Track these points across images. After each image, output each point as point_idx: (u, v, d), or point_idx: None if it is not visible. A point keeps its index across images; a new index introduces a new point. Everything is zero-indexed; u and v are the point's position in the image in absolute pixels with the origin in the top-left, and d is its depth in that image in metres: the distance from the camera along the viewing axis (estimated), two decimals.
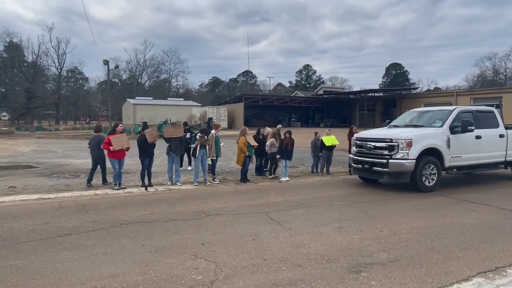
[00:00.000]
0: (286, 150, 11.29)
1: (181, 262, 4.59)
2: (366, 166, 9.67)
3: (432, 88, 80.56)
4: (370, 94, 48.76)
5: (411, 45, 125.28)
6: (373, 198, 8.57)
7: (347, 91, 67.02)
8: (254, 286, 3.93)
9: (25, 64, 66.94)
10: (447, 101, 37.17)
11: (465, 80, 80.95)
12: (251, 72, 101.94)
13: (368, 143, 9.71)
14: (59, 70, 72.25)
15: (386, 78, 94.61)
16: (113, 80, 78.83)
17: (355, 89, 76.31)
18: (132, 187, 9.76)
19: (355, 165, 10.22)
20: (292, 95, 63.29)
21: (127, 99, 61.17)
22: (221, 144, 11.26)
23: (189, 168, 12.26)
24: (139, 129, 13.08)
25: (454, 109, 10.11)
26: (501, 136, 10.45)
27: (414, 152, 8.93)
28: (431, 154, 9.25)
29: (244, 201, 8.23)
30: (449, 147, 9.39)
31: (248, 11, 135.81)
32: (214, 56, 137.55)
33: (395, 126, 10.94)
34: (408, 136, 9.10)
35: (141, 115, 46.17)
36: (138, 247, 5.16)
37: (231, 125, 45.18)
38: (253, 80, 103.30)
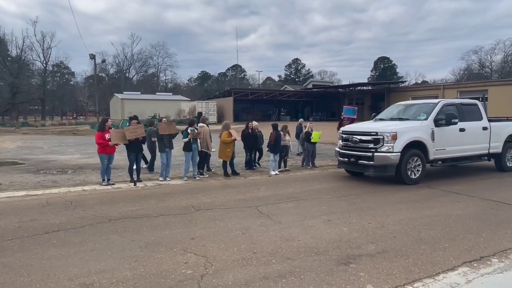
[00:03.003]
0: (273, 144, 11.32)
1: (170, 257, 4.58)
2: (352, 159, 9.72)
3: (419, 82, 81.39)
4: (359, 88, 48.99)
5: (400, 39, 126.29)
6: (361, 190, 8.65)
7: (336, 85, 67.29)
8: (244, 279, 3.95)
9: (9, 58, 65.52)
10: (434, 94, 37.59)
11: (451, 73, 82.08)
12: (240, 66, 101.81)
13: (354, 136, 9.75)
14: (44, 65, 71.05)
15: (374, 71, 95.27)
16: (100, 74, 77.72)
17: (344, 83, 76.64)
18: (121, 182, 9.68)
19: (341, 158, 10.26)
20: (281, 89, 63.28)
21: (115, 94, 60.53)
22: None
23: (145, 166, 11.48)
24: (127, 124, 12.93)
25: (438, 102, 10.20)
26: (485, 128, 10.60)
27: (399, 145, 9.00)
28: (416, 147, 9.34)
29: (233, 195, 8.24)
30: (433, 139, 9.49)
31: (236, 4, 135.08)
32: (203, 50, 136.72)
33: (381, 119, 11.01)
34: (393, 129, 9.16)
35: (129, 110, 45.69)
36: (127, 242, 5.14)
37: (220, 119, 45.04)
38: (242, 74, 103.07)
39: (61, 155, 16.13)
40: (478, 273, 4.11)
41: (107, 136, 9.22)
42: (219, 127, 11.79)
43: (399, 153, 9.00)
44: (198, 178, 10.37)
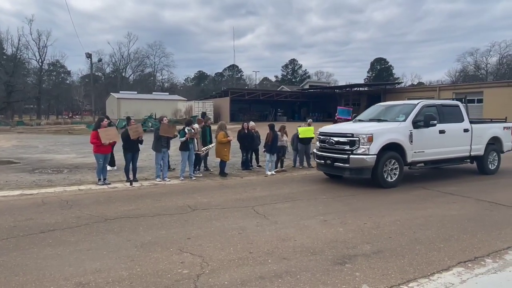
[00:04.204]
0: (269, 144, 11.35)
1: (167, 257, 4.58)
2: (328, 161, 9.46)
3: (415, 83, 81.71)
4: (355, 89, 49.18)
5: (396, 40, 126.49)
6: (357, 191, 8.69)
7: (332, 85, 67.45)
8: (240, 279, 3.96)
9: (4, 57, 65.09)
10: (430, 95, 37.82)
11: (447, 75, 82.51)
12: (237, 66, 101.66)
13: (331, 138, 9.48)
14: (40, 63, 70.67)
15: (371, 73, 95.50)
16: (96, 73, 77.33)
17: (341, 83, 76.86)
18: (117, 182, 9.66)
19: (318, 160, 10.01)
20: (278, 89, 63.32)
21: (111, 93, 60.24)
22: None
23: (110, 168, 11.00)
24: (124, 124, 12.90)
25: (418, 103, 9.89)
26: (466, 130, 10.35)
27: (375, 147, 8.74)
28: (393, 149, 9.08)
29: (230, 195, 8.24)
30: (411, 142, 9.21)
31: (233, 4, 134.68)
32: (200, 49, 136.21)
33: (360, 120, 10.75)
34: (369, 130, 8.90)
35: (126, 110, 45.60)
36: (123, 242, 5.13)
37: (217, 119, 45.00)
38: (239, 75, 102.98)
39: (57, 154, 16.07)
40: (473, 273, 4.14)
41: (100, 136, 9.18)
42: (214, 127, 11.78)
43: (375, 156, 8.72)
44: (194, 178, 10.37)
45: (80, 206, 7.11)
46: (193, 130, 10.29)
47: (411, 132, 9.24)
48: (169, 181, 9.93)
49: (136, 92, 61.09)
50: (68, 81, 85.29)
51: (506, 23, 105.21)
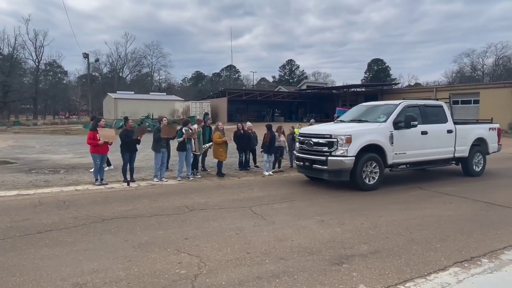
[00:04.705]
0: (267, 144, 11.37)
1: (164, 257, 4.58)
2: (307, 163, 9.19)
3: (412, 84, 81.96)
4: (353, 89, 49.28)
5: (394, 41, 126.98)
6: (354, 191, 8.70)
7: (330, 86, 67.55)
8: (237, 279, 3.97)
9: (0, 56, 64.80)
10: (427, 96, 37.81)
11: (444, 76, 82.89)
12: (235, 67, 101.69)
13: (310, 139, 9.21)
14: (36, 63, 70.29)
15: (368, 73, 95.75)
16: (93, 74, 77.28)
17: (338, 84, 76.99)
18: (114, 182, 9.64)
19: (297, 162, 9.78)
20: (275, 90, 63.35)
21: (108, 93, 60.13)
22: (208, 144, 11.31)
23: (107, 168, 10.99)
24: (121, 124, 12.87)
25: (399, 103, 9.63)
26: (449, 131, 10.15)
27: (353, 149, 8.47)
28: (373, 151, 8.82)
29: (227, 196, 8.25)
30: (392, 143, 8.94)
31: (231, 4, 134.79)
32: (197, 50, 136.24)
33: (341, 121, 10.50)
34: (347, 131, 8.64)
35: (123, 110, 45.51)
36: (120, 242, 5.12)
37: (214, 120, 44.97)
38: (237, 75, 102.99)
39: (54, 154, 16.01)
40: (469, 273, 4.17)
41: (98, 136, 9.19)
42: (212, 127, 11.80)
43: (354, 157, 8.47)
44: (192, 178, 10.36)
45: (77, 207, 7.09)
46: (190, 130, 10.29)
47: (391, 133, 8.98)
48: (167, 181, 9.91)
49: (133, 92, 60.99)
50: (65, 81, 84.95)
51: (503, 24, 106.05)
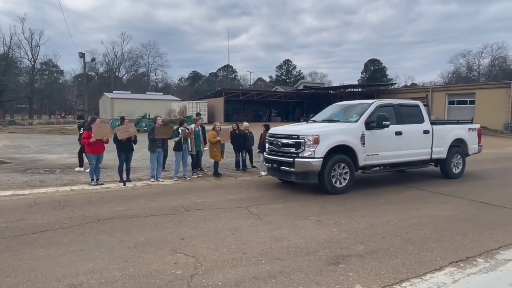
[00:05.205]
0: (263, 144, 11.35)
1: (160, 257, 4.56)
2: (275, 165, 8.79)
3: (409, 84, 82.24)
4: (349, 90, 49.41)
5: (390, 41, 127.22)
6: (351, 191, 8.70)
7: (326, 86, 67.66)
8: (233, 279, 3.96)
9: None
10: (423, 96, 38.01)
11: (440, 76, 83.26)
12: (231, 67, 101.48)
13: (279, 140, 8.81)
14: (32, 63, 70.06)
15: (364, 73, 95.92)
16: (89, 73, 76.79)
17: (335, 84, 77.03)
18: (110, 182, 9.60)
19: (266, 164, 9.36)
20: (272, 90, 63.37)
21: (104, 93, 59.92)
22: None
23: (77, 169, 11.34)
24: (117, 124, 12.76)
25: (372, 102, 9.26)
26: (426, 132, 9.75)
27: (321, 150, 8.05)
28: (343, 152, 8.42)
29: (224, 196, 8.23)
30: (363, 144, 8.54)
31: (228, 4, 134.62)
32: (194, 49, 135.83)
33: (314, 121, 10.10)
34: (315, 132, 8.23)
35: (119, 110, 45.33)
36: (116, 243, 5.10)
37: (211, 119, 44.95)
38: (233, 75, 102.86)
39: (49, 154, 15.92)
40: (464, 273, 4.18)
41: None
42: (209, 127, 11.79)
43: (322, 159, 8.06)
44: (188, 178, 10.34)
45: (73, 207, 7.06)
46: (187, 130, 10.27)
47: (363, 134, 8.57)
48: (163, 181, 9.89)
49: (129, 92, 60.81)
50: (60, 81, 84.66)
51: (499, 25, 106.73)
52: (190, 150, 10.46)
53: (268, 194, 8.35)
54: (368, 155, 8.68)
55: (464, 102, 35.67)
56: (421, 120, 9.84)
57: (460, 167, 10.77)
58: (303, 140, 8.19)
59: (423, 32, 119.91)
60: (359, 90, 51.72)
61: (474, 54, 72.46)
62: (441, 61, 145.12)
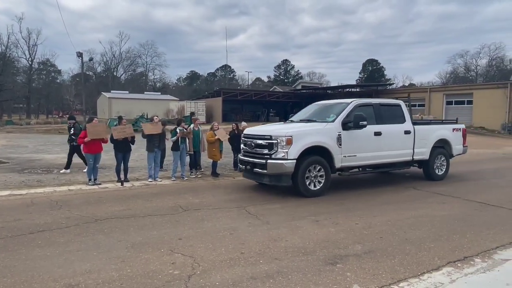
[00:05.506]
0: None
1: (158, 258, 4.55)
2: (248, 167, 8.55)
3: (407, 84, 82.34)
4: (348, 90, 49.42)
5: (388, 41, 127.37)
6: (348, 191, 8.72)
7: (325, 86, 67.72)
8: (231, 279, 3.95)
9: None
10: (421, 96, 38.20)
11: (438, 76, 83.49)
12: (230, 67, 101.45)
13: (252, 140, 8.54)
14: (30, 62, 69.70)
15: (362, 74, 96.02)
16: (87, 73, 76.61)
17: (333, 84, 77.27)
18: (108, 182, 9.58)
19: (241, 165, 9.12)
20: (270, 90, 63.37)
21: (102, 92, 59.74)
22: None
23: (62, 171, 11.14)
24: (115, 123, 12.73)
25: (350, 102, 8.91)
26: (407, 132, 9.43)
27: (294, 151, 7.77)
28: (319, 153, 8.14)
29: (222, 196, 8.23)
30: (340, 145, 8.24)
31: (226, 3, 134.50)
32: (192, 49, 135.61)
33: (292, 121, 9.85)
34: (288, 132, 7.94)
35: (117, 109, 45.21)
36: (113, 243, 5.09)
37: (209, 119, 44.90)
38: (232, 75, 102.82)
39: (47, 154, 15.88)
40: (462, 273, 4.19)
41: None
42: (207, 127, 11.77)
43: (295, 160, 7.78)
44: (186, 178, 10.33)
45: (70, 207, 7.04)
46: (185, 130, 10.25)
47: (339, 134, 8.25)
48: (161, 181, 9.87)
49: (127, 92, 60.63)
50: (58, 80, 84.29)
51: (496, 25, 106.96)
52: (188, 150, 10.45)
53: (266, 194, 8.35)
54: (345, 156, 8.39)
55: (462, 103, 35.77)
56: (402, 120, 9.54)
57: (444, 169, 10.51)
58: (276, 141, 7.91)
59: (421, 32, 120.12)
60: (357, 90, 51.73)
61: (472, 55, 72.79)
62: (439, 62, 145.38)
